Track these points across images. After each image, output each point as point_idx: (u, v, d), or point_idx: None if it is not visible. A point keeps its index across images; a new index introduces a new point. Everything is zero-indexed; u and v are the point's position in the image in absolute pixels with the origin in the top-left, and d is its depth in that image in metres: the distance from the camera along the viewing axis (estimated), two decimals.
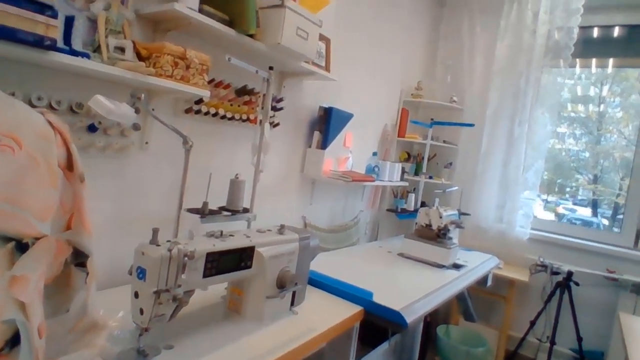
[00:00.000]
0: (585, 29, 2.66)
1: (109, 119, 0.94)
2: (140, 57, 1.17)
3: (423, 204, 2.78)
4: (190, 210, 1.33)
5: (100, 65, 1.03)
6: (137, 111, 1.05)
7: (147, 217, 1.39)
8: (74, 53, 1.00)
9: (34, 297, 0.57)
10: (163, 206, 1.43)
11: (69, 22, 1.04)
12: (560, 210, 3.07)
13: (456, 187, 2.70)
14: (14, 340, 0.55)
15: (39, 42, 0.89)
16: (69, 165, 0.66)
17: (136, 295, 0.87)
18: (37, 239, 0.58)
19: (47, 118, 0.63)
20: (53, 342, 0.64)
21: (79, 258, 0.67)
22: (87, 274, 0.70)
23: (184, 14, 1.16)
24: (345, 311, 1.25)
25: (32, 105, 1.02)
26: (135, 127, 1.28)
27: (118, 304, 1.07)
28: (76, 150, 0.67)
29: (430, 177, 2.89)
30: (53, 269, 0.63)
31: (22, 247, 0.56)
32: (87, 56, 1.03)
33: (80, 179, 0.68)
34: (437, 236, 1.92)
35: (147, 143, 1.35)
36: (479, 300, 2.73)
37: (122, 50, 1.12)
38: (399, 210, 2.75)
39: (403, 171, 2.69)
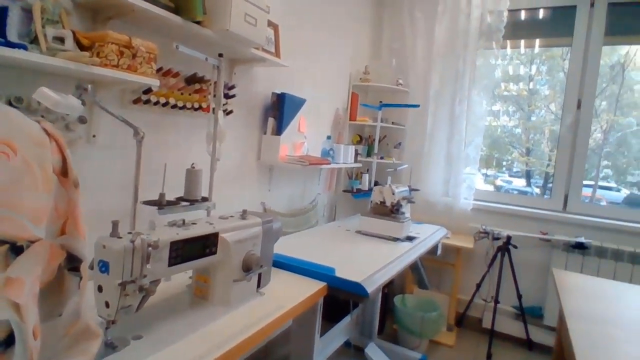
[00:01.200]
0: (513, 12, 2.87)
1: (55, 111, 0.91)
2: (81, 47, 1.13)
3: (376, 183, 2.90)
4: (147, 203, 1.32)
5: (39, 56, 0.98)
6: (83, 103, 1.02)
7: (102, 213, 1.35)
8: (10, 45, 0.94)
9: (28, 299, 0.57)
10: (118, 200, 1.40)
11: (2, 13, 0.97)
12: (499, 182, 3.33)
13: (406, 165, 2.84)
14: (9, 341, 0.56)
15: None
16: (63, 171, 0.67)
17: (100, 289, 0.87)
18: (32, 242, 0.59)
19: (43, 126, 0.64)
20: (46, 346, 0.64)
21: (73, 263, 0.68)
22: (81, 278, 0.70)
23: (126, 0, 1.12)
24: (310, 288, 1.31)
25: None
26: (81, 120, 1.24)
27: None
28: (70, 156, 0.69)
29: (382, 158, 3.01)
30: (47, 273, 0.64)
31: (16, 249, 0.57)
32: (24, 47, 0.98)
33: (75, 185, 0.69)
34: (391, 212, 2.04)
35: (94, 136, 1.30)
36: (431, 269, 2.93)
37: (61, 40, 1.07)
38: (355, 190, 2.85)
39: (356, 153, 2.78)
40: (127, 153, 1.39)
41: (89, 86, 1.00)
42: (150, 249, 0.89)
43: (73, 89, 1.01)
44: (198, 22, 1.37)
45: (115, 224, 0.89)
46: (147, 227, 0.99)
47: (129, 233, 0.90)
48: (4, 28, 0.95)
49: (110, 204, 1.38)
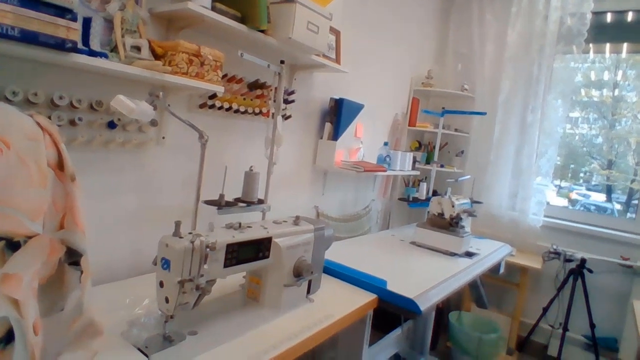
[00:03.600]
0: (598, 14, 2.61)
1: (130, 117, 0.98)
2: (155, 55, 1.20)
3: (435, 193, 2.79)
4: (208, 202, 1.38)
5: (118, 65, 1.06)
6: (154, 108, 1.09)
7: (166, 209, 1.44)
8: (93, 54, 1.03)
9: (27, 295, 0.57)
10: (181, 198, 1.48)
11: (87, 23, 1.07)
12: (574, 195, 3.05)
13: (469, 176, 2.70)
14: (8, 338, 0.55)
15: (60, 45, 0.93)
16: (59, 165, 0.66)
17: (161, 284, 0.92)
18: (29, 237, 0.58)
19: (36, 120, 0.63)
20: (50, 341, 0.64)
21: (73, 257, 0.68)
22: (82, 272, 0.69)
23: (197, 12, 1.18)
24: (360, 299, 1.28)
25: (55, 105, 1.06)
26: (153, 123, 1.32)
27: (143, 291, 1.12)
28: (66, 149, 0.67)
29: (442, 166, 2.89)
30: (47, 268, 0.63)
31: (12, 245, 0.56)
32: (105, 56, 1.06)
33: (72, 178, 0.67)
34: (450, 225, 1.94)
35: (163, 138, 1.39)
36: (491, 287, 2.75)
37: (138, 49, 1.15)
38: (411, 199, 2.77)
39: (414, 160, 2.70)
40: (192, 154, 1.47)
41: (161, 93, 1.06)
42: (208, 249, 0.93)
43: (146, 95, 1.08)
44: (262, 31, 1.40)
45: (177, 224, 0.93)
46: (206, 228, 1.03)
47: (190, 233, 0.94)
48: (87, 37, 1.04)
49: (175, 201, 1.47)
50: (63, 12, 0.92)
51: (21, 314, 0.56)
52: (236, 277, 1.30)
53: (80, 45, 1.02)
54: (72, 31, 0.94)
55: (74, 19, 0.94)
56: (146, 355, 0.86)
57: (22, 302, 0.56)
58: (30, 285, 0.58)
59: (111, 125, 1.21)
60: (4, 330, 0.55)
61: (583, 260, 2.37)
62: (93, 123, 1.16)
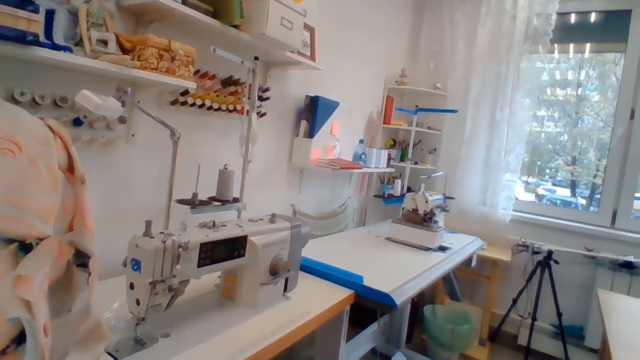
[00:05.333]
0: (562, 15, 2.72)
1: (96, 113, 0.94)
2: (123, 50, 1.17)
3: (409, 189, 2.84)
4: (180, 202, 1.34)
5: (83, 59, 1.02)
6: (123, 104, 1.05)
7: (137, 209, 1.40)
8: (56, 47, 0.99)
9: (38, 296, 0.58)
10: (152, 198, 1.44)
11: (50, 15, 1.02)
12: (540, 191, 3.16)
13: (441, 172, 2.76)
14: (20, 339, 0.56)
15: (20, 38, 0.88)
16: (70, 168, 0.67)
17: (132, 286, 0.89)
18: (41, 239, 0.59)
19: (47, 123, 0.64)
20: (57, 342, 0.65)
21: (81, 259, 0.69)
22: (89, 274, 0.70)
23: (167, 5, 1.15)
24: (337, 295, 1.29)
25: (16, 101, 1.01)
26: (122, 120, 1.28)
27: (112, 294, 1.09)
28: (76, 153, 0.68)
29: (416, 163, 2.94)
30: (56, 269, 0.64)
31: (25, 247, 0.57)
32: (69, 50, 1.02)
33: (81, 181, 0.68)
34: (424, 220, 1.98)
35: (133, 136, 1.34)
36: (464, 280, 2.83)
37: (104, 43, 1.11)
38: (386, 195, 2.80)
39: (389, 157, 2.73)
40: (164, 152, 1.43)
41: (129, 89, 1.03)
42: (180, 249, 0.90)
43: (114, 91, 1.04)
44: (235, 26, 1.38)
45: (148, 224, 0.91)
46: (178, 228, 1.00)
47: (161, 233, 0.92)
48: (50, 30, 1.00)
49: (146, 201, 1.42)
50: (24, 3, 0.88)
51: (33, 315, 0.56)
52: (211, 276, 1.28)
53: (42, 39, 0.97)
54: (33, 23, 0.89)
55: (36, 11, 0.90)
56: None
57: (34, 304, 0.57)
58: (41, 287, 0.59)
59: (77, 122, 1.16)
60: (17, 331, 0.55)
61: (550, 252, 2.47)
62: (57, 120, 1.10)
